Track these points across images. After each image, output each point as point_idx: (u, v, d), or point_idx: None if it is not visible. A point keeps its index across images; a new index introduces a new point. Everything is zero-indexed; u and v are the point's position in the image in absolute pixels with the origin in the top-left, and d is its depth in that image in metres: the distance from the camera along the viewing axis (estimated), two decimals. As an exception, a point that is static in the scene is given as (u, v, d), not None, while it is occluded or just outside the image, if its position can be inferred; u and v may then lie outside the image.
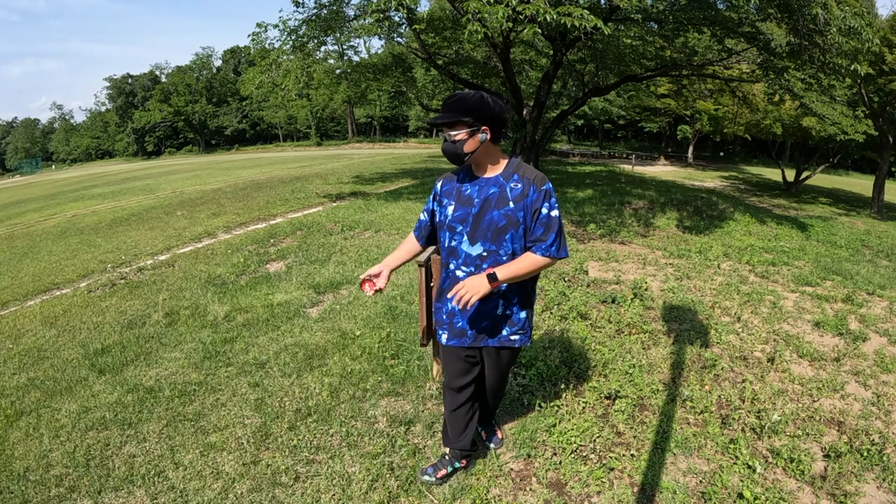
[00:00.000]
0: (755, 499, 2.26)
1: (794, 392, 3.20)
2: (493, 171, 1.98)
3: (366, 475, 2.44)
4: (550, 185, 1.95)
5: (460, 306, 1.89)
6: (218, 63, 67.19)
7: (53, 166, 68.91)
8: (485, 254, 1.97)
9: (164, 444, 2.77)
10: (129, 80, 68.55)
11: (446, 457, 2.42)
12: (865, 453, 2.57)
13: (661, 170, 25.80)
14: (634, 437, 2.71)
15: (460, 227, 2.00)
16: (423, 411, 2.94)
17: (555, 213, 1.93)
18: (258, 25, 10.35)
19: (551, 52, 12.74)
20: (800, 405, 3.05)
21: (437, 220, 2.11)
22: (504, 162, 1.99)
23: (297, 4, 10.40)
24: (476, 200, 1.97)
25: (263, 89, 10.91)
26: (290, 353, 3.73)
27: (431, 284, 2.86)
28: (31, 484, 2.54)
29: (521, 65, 16.24)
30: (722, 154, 37.89)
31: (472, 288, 1.86)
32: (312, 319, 4.39)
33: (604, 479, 2.40)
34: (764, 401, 3.04)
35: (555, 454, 2.57)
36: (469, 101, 1.85)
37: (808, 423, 2.85)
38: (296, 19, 10.52)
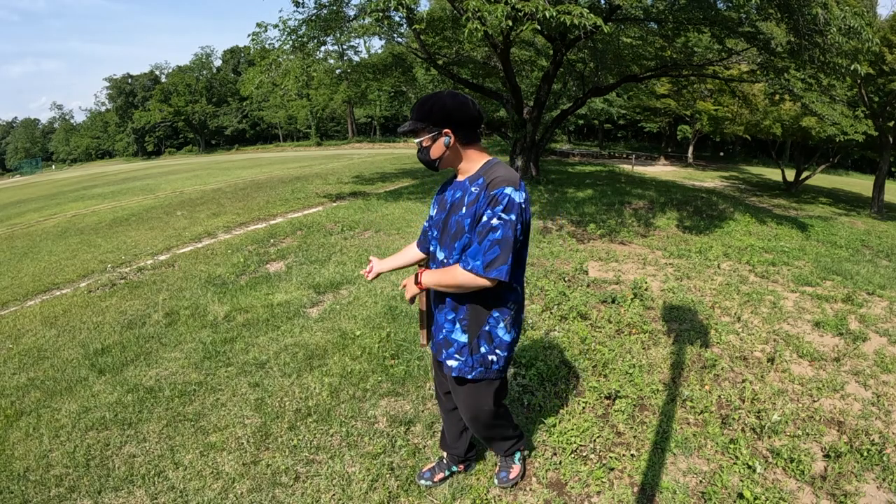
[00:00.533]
0: (755, 499, 2.26)
1: (794, 392, 3.20)
2: (467, 174, 1.83)
3: (366, 475, 2.44)
4: (507, 191, 1.64)
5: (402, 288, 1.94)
6: (218, 63, 67.22)
7: (53, 166, 68.92)
8: (445, 260, 1.85)
9: (164, 444, 2.77)
10: (129, 80, 68.55)
11: (444, 460, 2.41)
12: (865, 453, 2.57)
13: (661, 170, 25.80)
14: (634, 437, 2.71)
15: (435, 232, 1.94)
16: (423, 411, 2.94)
17: (496, 221, 1.63)
18: (258, 25, 10.35)
19: (551, 52, 12.74)
20: (800, 405, 3.05)
21: None
22: (479, 164, 1.81)
23: (297, 4, 10.40)
24: (447, 205, 1.87)
25: (263, 89, 10.91)
26: (290, 353, 3.73)
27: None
28: (31, 484, 2.54)
29: (521, 65, 16.23)
30: (722, 154, 37.89)
31: (406, 282, 1.94)
32: (312, 319, 4.39)
33: (604, 479, 2.40)
34: (764, 401, 3.04)
35: (555, 454, 2.57)
36: (425, 105, 1.71)
37: (808, 423, 2.85)
38: (296, 19, 10.53)
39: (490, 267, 1.64)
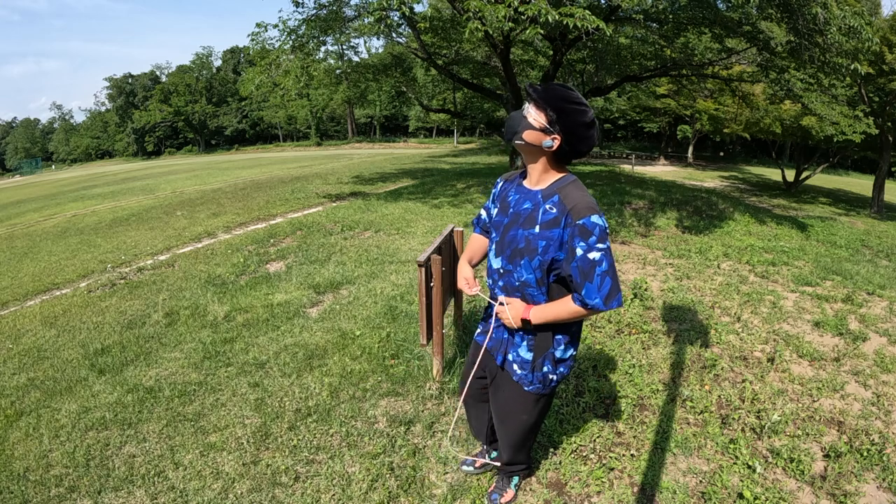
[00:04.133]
0: (755, 499, 2.26)
1: (794, 392, 3.20)
2: (540, 184, 1.72)
3: (366, 475, 2.44)
4: (595, 220, 1.59)
5: (498, 311, 1.82)
6: (218, 63, 67.23)
7: (53, 166, 68.92)
8: (501, 270, 1.80)
9: (164, 444, 2.77)
10: (130, 80, 68.55)
11: (485, 448, 2.41)
12: (865, 453, 2.57)
13: (661, 170, 25.80)
14: (634, 437, 2.71)
15: (493, 234, 1.86)
16: (423, 411, 2.94)
17: (595, 255, 1.58)
18: (258, 25, 10.35)
19: (551, 53, 12.74)
20: (800, 405, 3.05)
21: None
22: (555, 177, 1.71)
23: (296, 4, 10.39)
24: (510, 211, 1.77)
25: (263, 89, 10.90)
26: (290, 353, 3.73)
27: (431, 284, 2.87)
28: (31, 484, 2.54)
29: (521, 65, 16.23)
30: (722, 154, 37.88)
31: (505, 318, 1.77)
32: (312, 319, 4.38)
33: (604, 479, 2.40)
34: (764, 401, 3.04)
35: (555, 454, 2.57)
36: (568, 104, 1.58)
37: (808, 423, 2.85)
38: (296, 19, 10.54)
39: (609, 299, 1.62)
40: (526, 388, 1.88)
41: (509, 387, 1.93)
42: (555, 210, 1.65)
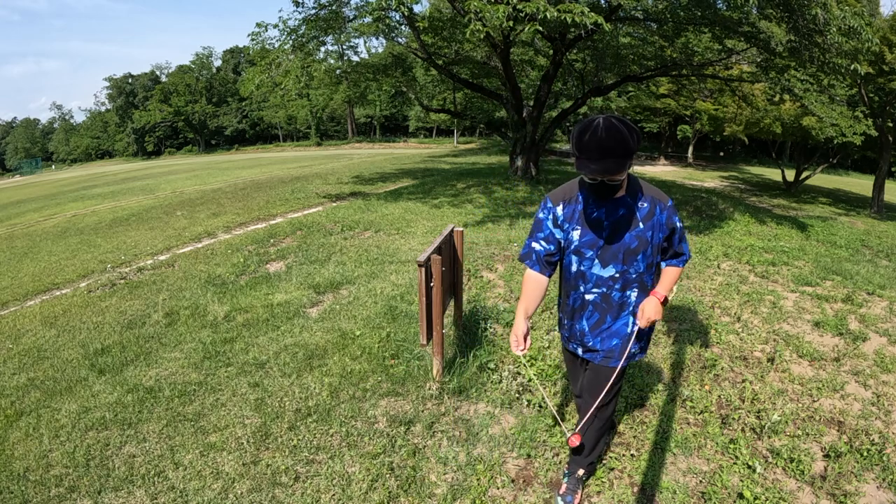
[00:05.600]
0: (755, 499, 2.26)
1: (794, 392, 3.20)
2: (619, 192, 1.89)
3: (366, 475, 2.44)
4: (671, 200, 1.98)
5: (646, 326, 1.99)
6: (218, 63, 67.22)
7: (53, 166, 68.91)
8: (616, 275, 1.95)
9: (164, 444, 2.77)
10: (130, 80, 68.54)
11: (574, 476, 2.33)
12: (865, 453, 2.57)
13: (661, 170, 25.80)
14: (634, 437, 2.71)
15: (590, 252, 1.94)
16: (423, 411, 2.94)
17: (681, 224, 2.00)
18: (258, 25, 10.36)
19: (551, 52, 12.74)
20: (800, 405, 3.05)
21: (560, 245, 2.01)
22: (624, 183, 1.89)
23: (296, 4, 10.40)
24: (605, 223, 1.90)
25: (263, 89, 10.91)
26: (290, 353, 3.73)
27: (431, 284, 2.87)
28: (31, 484, 2.54)
29: (521, 65, 16.23)
30: (722, 154, 37.88)
31: (654, 313, 1.96)
32: (312, 319, 4.38)
33: (604, 479, 2.40)
34: (764, 401, 3.04)
35: (555, 454, 2.57)
36: (630, 140, 1.66)
37: (808, 423, 2.85)
38: (295, 19, 10.53)
39: (686, 255, 2.08)
40: (636, 360, 2.23)
41: (615, 375, 2.07)
42: (646, 204, 1.91)
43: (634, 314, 2.03)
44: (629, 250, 1.91)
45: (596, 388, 2.10)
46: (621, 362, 2.04)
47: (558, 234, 1.98)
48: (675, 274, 2.05)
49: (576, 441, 2.06)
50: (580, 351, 2.15)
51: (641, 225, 1.90)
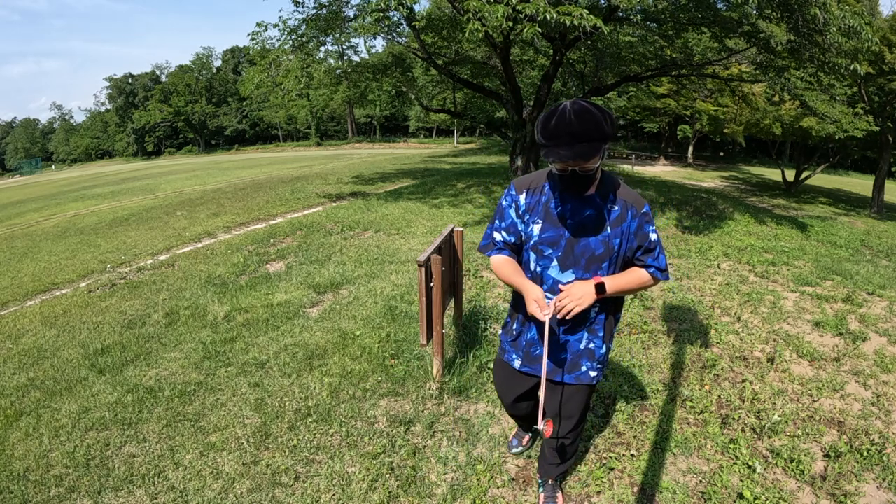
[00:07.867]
0: (755, 499, 2.26)
1: (794, 392, 3.20)
2: (590, 189, 1.65)
3: (366, 475, 2.44)
4: (648, 207, 1.73)
5: (560, 316, 1.65)
6: (218, 63, 67.23)
7: (53, 166, 68.90)
8: (577, 281, 1.73)
9: (164, 444, 2.77)
10: (130, 80, 68.54)
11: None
12: (865, 453, 2.57)
13: (661, 170, 25.80)
14: (634, 437, 2.71)
15: (549, 251, 1.73)
16: (423, 411, 2.94)
17: (656, 236, 1.74)
18: (258, 25, 10.34)
19: (551, 52, 12.73)
20: (800, 405, 3.05)
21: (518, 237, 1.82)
22: (597, 177, 1.65)
23: (296, 4, 10.40)
24: (569, 222, 1.69)
25: (263, 89, 10.90)
26: (290, 353, 3.73)
27: (431, 284, 2.87)
28: (31, 484, 2.54)
29: (521, 65, 16.21)
30: (722, 154, 37.88)
31: (575, 297, 1.64)
32: (312, 319, 4.38)
33: (604, 479, 2.40)
34: (764, 401, 3.04)
35: (555, 454, 2.57)
36: (604, 123, 1.47)
37: (808, 423, 2.85)
38: (296, 19, 10.53)
39: (666, 271, 1.79)
40: (594, 383, 1.94)
41: (583, 397, 1.96)
42: (617, 208, 1.70)
43: (591, 329, 1.83)
44: (593, 256, 1.70)
45: (554, 404, 1.97)
46: (569, 378, 1.88)
47: (520, 226, 1.78)
48: (637, 276, 1.75)
49: (549, 429, 1.73)
50: (517, 364, 1.97)
51: (609, 229, 1.69)
